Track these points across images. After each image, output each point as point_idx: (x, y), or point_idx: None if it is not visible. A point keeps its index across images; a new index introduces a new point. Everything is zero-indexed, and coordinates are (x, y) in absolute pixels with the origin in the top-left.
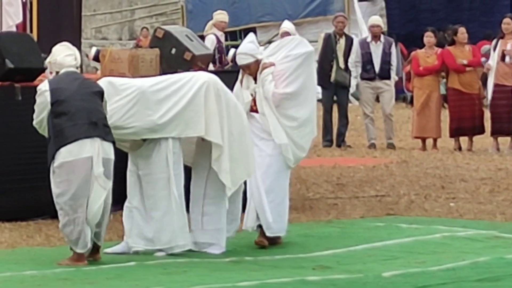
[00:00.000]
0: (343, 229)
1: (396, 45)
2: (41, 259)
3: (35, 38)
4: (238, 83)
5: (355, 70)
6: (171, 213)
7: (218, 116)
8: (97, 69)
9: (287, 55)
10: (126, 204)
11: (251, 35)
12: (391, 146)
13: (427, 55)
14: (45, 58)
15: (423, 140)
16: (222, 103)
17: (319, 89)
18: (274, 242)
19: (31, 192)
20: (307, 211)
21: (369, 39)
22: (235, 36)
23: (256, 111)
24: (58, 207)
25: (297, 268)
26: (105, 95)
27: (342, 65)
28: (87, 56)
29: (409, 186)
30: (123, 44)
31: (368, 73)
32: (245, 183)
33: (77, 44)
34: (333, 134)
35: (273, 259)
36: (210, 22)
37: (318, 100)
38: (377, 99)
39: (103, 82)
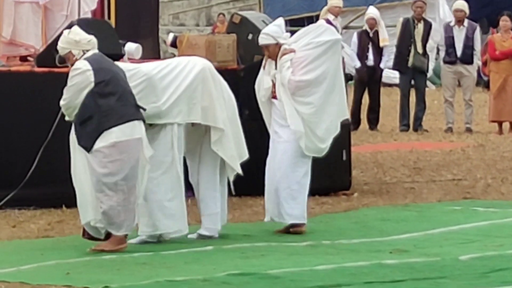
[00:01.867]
0: (420, 212)
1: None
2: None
3: (113, 25)
4: (261, 68)
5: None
6: (176, 197)
7: (218, 101)
8: (174, 55)
9: (309, 43)
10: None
11: (280, 19)
12: (469, 130)
13: (503, 39)
14: (123, 45)
15: (500, 124)
16: (218, 87)
17: (396, 73)
18: (295, 231)
19: None
20: (384, 195)
21: (452, 23)
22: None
23: (276, 98)
24: (103, 187)
25: (374, 251)
26: None
27: (420, 50)
28: (164, 42)
29: (485, 170)
30: (200, 30)
31: (449, 56)
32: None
33: (155, 30)
34: (410, 119)
35: (350, 243)
36: (325, 7)
37: (396, 85)
38: (459, 84)
39: None
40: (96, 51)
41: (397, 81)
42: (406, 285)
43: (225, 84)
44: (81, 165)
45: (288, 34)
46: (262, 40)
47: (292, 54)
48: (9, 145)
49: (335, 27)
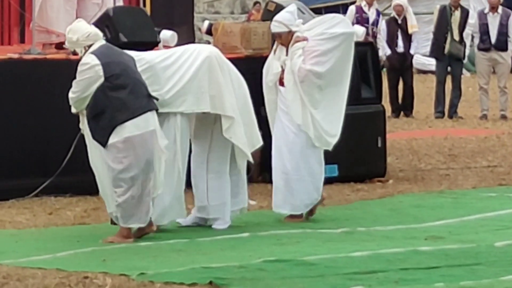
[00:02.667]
0: (455, 199)
1: None
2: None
3: (148, 12)
4: (272, 52)
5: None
6: (170, 189)
7: (226, 89)
8: (209, 42)
9: (322, 33)
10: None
11: (292, 5)
12: (503, 117)
13: None
14: (159, 32)
15: None
16: (227, 75)
17: (431, 60)
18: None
19: None
20: (419, 182)
21: (486, 10)
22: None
23: (283, 85)
24: (120, 182)
25: (410, 238)
26: None
27: (456, 37)
28: (199, 29)
29: None
30: (235, 18)
31: (484, 43)
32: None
33: (190, 18)
34: (445, 106)
35: (385, 230)
36: None
37: (430, 72)
38: (493, 71)
39: None
40: (103, 42)
41: (432, 68)
42: (441, 272)
43: (235, 71)
44: (98, 158)
45: (301, 20)
46: (274, 28)
47: (304, 43)
48: (45, 133)
49: (366, 13)
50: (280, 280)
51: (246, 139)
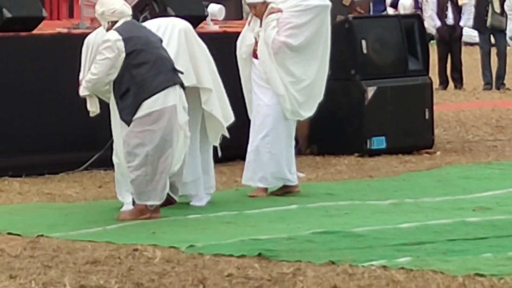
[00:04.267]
0: (503, 170)
1: None
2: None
3: None
4: (246, 24)
5: None
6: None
7: (201, 62)
8: None
9: (297, 5)
10: (116, 160)
11: None
12: None
13: None
14: (206, 6)
15: None
16: (201, 48)
17: (476, 33)
18: (289, 191)
19: None
20: (466, 153)
21: None
22: None
23: (257, 57)
24: (133, 157)
25: (457, 209)
26: None
27: (497, 9)
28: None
29: None
30: None
31: None
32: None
33: None
34: (492, 77)
35: (433, 201)
36: None
37: (477, 44)
38: None
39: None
40: (128, 19)
41: (478, 40)
42: (489, 243)
43: (204, 46)
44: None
45: None
46: None
47: (279, 14)
48: None
49: None
50: (328, 251)
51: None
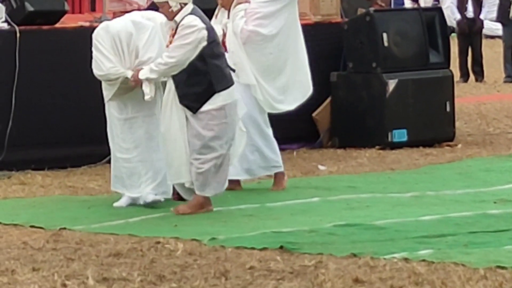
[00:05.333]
0: None
1: None
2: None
3: None
4: (214, 17)
5: None
6: (176, 149)
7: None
8: None
9: None
10: (119, 155)
11: None
12: None
13: None
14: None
15: None
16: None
17: (499, 25)
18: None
19: None
20: (487, 146)
21: None
22: None
23: (226, 50)
24: (207, 150)
25: (479, 202)
26: None
27: None
28: None
29: None
30: None
31: None
32: None
33: None
34: None
35: (454, 194)
36: None
37: (498, 37)
38: None
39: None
40: (194, 5)
41: (499, 32)
42: (510, 235)
43: None
44: (178, 125)
45: None
46: None
47: (246, 4)
48: None
49: None
50: (350, 244)
51: None
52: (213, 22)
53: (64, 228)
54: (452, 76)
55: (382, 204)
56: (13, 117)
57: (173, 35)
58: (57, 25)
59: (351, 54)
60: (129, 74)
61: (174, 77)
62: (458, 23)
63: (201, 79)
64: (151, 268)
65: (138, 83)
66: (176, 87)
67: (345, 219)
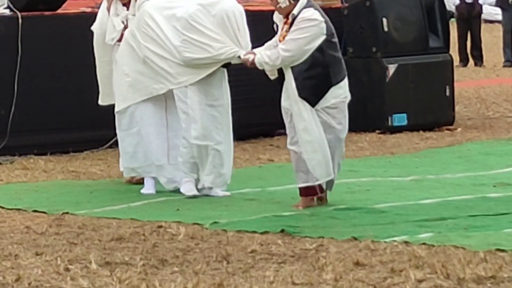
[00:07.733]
0: None
1: None
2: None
3: None
4: (100, 12)
5: None
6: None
7: None
8: None
9: None
10: (209, 143)
11: None
12: None
13: None
14: None
15: None
16: None
17: (498, 10)
18: None
19: None
20: (487, 129)
21: None
22: None
23: None
24: (338, 143)
25: (478, 185)
26: None
27: None
28: None
29: None
30: None
31: None
32: None
33: None
34: None
35: (454, 177)
36: None
37: (497, 21)
38: None
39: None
40: None
41: (498, 17)
42: (510, 218)
43: None
44: (313, 125)
45: None
46: None
47: None
48: None
49: None
50: (351, 227)
51: None
52: (105, 16)
53: (67, 213)
54: (452, 60)
55: (382, 188)
56: (15, 102)
57: (288, 28)
58: (59, 11)
59: (351, 39)
60: (242, 53)
61: (295, 70)
62: (457, 7)
63: (320, 72)
64: (153, 252)
65: (251, 65)
66: (295, 79)
67: (346, 203)
